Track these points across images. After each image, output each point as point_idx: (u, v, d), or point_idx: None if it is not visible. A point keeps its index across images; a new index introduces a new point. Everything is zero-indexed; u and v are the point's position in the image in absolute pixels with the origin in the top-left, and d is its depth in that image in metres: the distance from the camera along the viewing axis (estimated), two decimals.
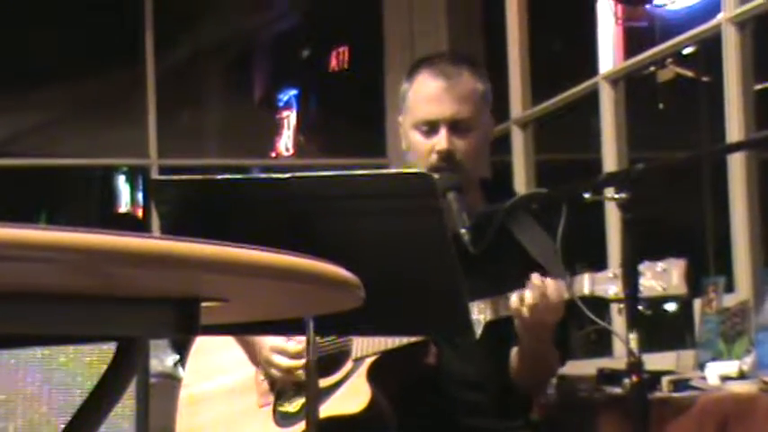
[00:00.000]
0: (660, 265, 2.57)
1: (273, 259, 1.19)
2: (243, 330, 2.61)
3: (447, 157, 2.86)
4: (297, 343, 2.92)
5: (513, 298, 2.68)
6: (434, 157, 2.86)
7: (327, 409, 2.81)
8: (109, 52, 7.29)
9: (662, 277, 2.57)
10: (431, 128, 2.89)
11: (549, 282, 2.67)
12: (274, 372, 2.94)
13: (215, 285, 1.24)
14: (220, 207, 2.15)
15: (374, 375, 2.81)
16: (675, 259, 2.58)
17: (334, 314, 1.59)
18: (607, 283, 2.62)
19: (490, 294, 2.76)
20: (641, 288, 2.52)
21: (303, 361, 2.89)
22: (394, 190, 2.13)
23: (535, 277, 2.68)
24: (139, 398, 2.76)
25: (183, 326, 1.28)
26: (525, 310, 2.67)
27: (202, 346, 3.12)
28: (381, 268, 2.06)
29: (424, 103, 2.91)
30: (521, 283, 2.72)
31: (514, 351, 2.90)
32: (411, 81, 2.97)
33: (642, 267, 2.55)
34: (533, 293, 2.66)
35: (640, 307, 2.54)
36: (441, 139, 2.87)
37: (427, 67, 2.95)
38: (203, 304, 1.31)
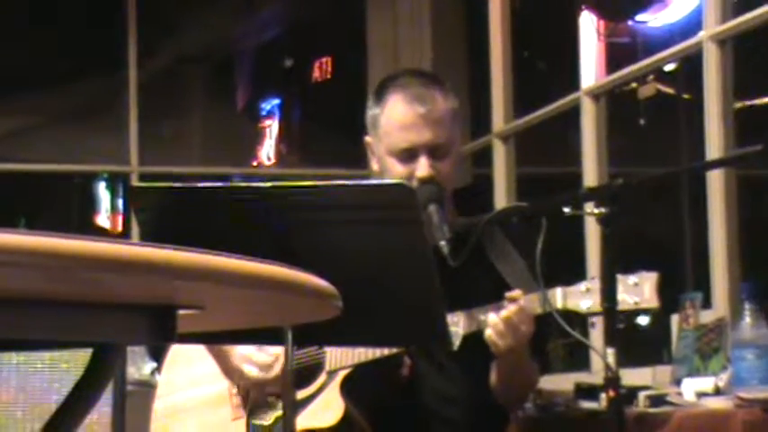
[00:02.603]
0: (632, 279, 2.57)
1: (251, 268, 1.19)
2: (220, 339, 2.61)
3: (428, 182, 2.85)
4: (267, 355, 2.91)
5: (491, 315, 2.69)
6: (415, 183, 2.83)
7: (301, 423, 2.80)
8: (91, 59, 7.27)
9: (634, 291, 2.57)
10: (409, 155, 2.87)
11: (521, 296, 2.68)
12: (244, 382, 2.93)
13: (192, 293, 1.24)
14: (200, 215, 2.15)
15: (348, 388, 2.81)
16: (647, 272, 2.59)
17: (313, 324, 1.59)
18: (580, 297, 2.62)
19: (464, 308, 2.76)
20: None
21: (272, 374, 2.89)
22: (375, 201, 2.13)
23: (509, 293, 2.69)
24: (116, 405, 2.76)
25: (160, 333, 1.28)
26: (498, 325, 2.67)
27: (177, 357, 3.11)
28: (361, 278, 2.07)
29: (401, 130, 2.87)
30: (492, 298, 2.72)
31: (493, 366, 2.90)
32: (381, 105, 2.93)
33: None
34: (505, 309, 2.67)
35: None
36: (422, 167, 2.85)
37: (398, 91, 2.92)
38: (180, 312, 1.31)
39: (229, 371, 2.97)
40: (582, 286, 2.63)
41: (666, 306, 2.83)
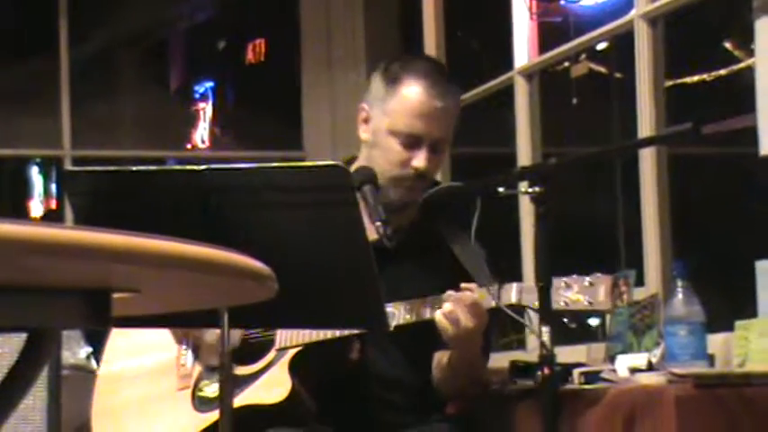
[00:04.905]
0: (587, 280, 2.63)
1: (185, 250, 1.19)
2: (157, 322, 2.60)
3: (423, 175, 2.92)
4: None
5: (438, 315, 2.73)
6: (410, 171, 2.91)
7: (247, 398, 2.82)
8: (22, 40, 7.19)
9: (588, 291, 2.62)
10: (413, 141, 2.92)
11: (475, 289, 2.72)
12: (199, 342, 2.94)
13: (127, 276, 1.24)
14: (135, 198, 2.14)
15: (296, 367, 2.83)
16: (602, 275, 2.65)
17: (250, 306, 1.59)
18: (534, 293, 2.65)
19: (409, 292, 2.79)
20: (567, 301, 2.58)
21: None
22: (309, 182, 2.13)
23: (464, 284, 2.72)
24: (51, 390, 2.74)
25: (95, 317, 1.28)
26: (449, 323, 2.71)
27: None
28: (296, 260, 2.07)
29: (414, 116, 2.92)
30: (442, 283, 2.76)
31: (438, 356, 2.93)
32: (397, 84, 2.95)
33: (569, 281, 2.61)
34: (459, 302, 2.70)
35: (565, 320, 2.61)
36: (422, 158, 2.91)
37: (421, 78, 2.94)
38: (115, 295, 1.31)
39: (181, 338, 2.98)
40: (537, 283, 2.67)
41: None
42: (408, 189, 2.93)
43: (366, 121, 3.00)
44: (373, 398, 2.93)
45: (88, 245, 1.09)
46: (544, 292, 2.51)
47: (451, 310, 2.70)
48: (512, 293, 2.70)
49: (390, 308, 2.72)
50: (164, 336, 3.01)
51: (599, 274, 2.64)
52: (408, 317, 2.76)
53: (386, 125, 2.94)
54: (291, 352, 2.84)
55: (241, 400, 2.81)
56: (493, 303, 2.70)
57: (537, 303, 2.63)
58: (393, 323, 2.72)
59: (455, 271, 2.82)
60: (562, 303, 2.62)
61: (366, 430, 2.91)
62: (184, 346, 3.01)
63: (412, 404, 2.96)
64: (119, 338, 3.11)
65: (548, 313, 2.49)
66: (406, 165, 2.91)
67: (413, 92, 2.94)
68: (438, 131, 2.93)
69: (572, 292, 2.60)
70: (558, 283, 2.62)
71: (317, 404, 2.85)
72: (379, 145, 2.95)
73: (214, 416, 2.86)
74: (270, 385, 2.83)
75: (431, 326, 2.80)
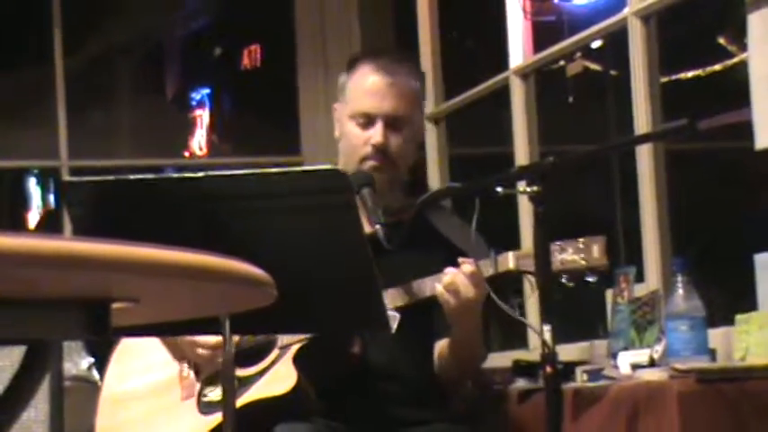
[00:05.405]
0: (581, 241, 2.67)
1: (183, 258, 1.19)
2: (158, 331, 2.61)
3: (381, 150, 2.96)
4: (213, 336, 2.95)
5: (438, 288, 2.74)
6: (369, 149, 2.97)
7: (253, 394, 2.85)
8: (16, 51, 7.19)
9: (583, 251, 2.67)
10: (368, 120, 2.99)
11: (472, 262, 2.75)
12: (201, 352, 2.96)
13: (126, 286, 1.24)
14: (133, 207, 2.14)
15: (301, 361, 2.85)
16: (594, 236, 2.70)
17: (250, 313, 1.60)
18: (530, 259, 2.68)
19: (408, 279, 2.82)
20: (564, 261, 2.62)
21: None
22: (307, 187, 2.13)
23: (461, 260, 2.75)
24: (53, 401, 2.74)
25: (94, 328, 1.28)
26: (450, 295, 2.73)
27: (128, 347, 3.12)
28: (296, 266, 2.07)
29: (365, 96, 3.00)
30: (441, 266, 2.78)
31: (440, 344, 2.95)
32: (352, 72, 3.05)
33: (563, 244, 2.66)
34: (458, 273, 2.72)
35: (563, 280, 2.64)
36: (376, 133, 2.97)
37: (370, 61, 3.04)
38: (115, 305, 1.31)
39: (179, 352, 3.01)
40: (532, 249, 2.69)
41: (601, 280, 2.89)
42: (374, 170, 2.96)
43: (337, 119, 3.09)
44: (376, 392, 2.95)
45: (87, 256, 1.09)
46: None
47: (451, 281, 2.73)
48: (509, 260, 2.75)
49: (390, 310, 2.74)
50: (165, 355, 3.03)
51: (590, 236, 2.69)
52: (408, 297, 2.80)
53: (347, 113, 3.04)
54: (295, 347, 2.87)
55: (247, 397, 2.84)
56: (491, 271, 2.75)
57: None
58: (394, 325, 2.73)
59: (452, 252, 2.85)
60: (559, 265, 2.66)
61: (371, 425, 2.93)
62: (186, 365, 3.03)
63: (414, 398, 2.97)
64: (122, 361, 3.13)
65: (546, 277, 2.51)
66: (365, 144, 2.98)
67: (364, 73, 3.03)
68: (390, 107, 2.98)
69: (567, 254, 2.66)
70: (553, 246, 2.65)
71: (323, 400, 2.87)
72: (344, 134, 3.04)
73: (218, 418, 2.87)
74: (275, 380, 2.86)
75: (432, 318, 2.82)
